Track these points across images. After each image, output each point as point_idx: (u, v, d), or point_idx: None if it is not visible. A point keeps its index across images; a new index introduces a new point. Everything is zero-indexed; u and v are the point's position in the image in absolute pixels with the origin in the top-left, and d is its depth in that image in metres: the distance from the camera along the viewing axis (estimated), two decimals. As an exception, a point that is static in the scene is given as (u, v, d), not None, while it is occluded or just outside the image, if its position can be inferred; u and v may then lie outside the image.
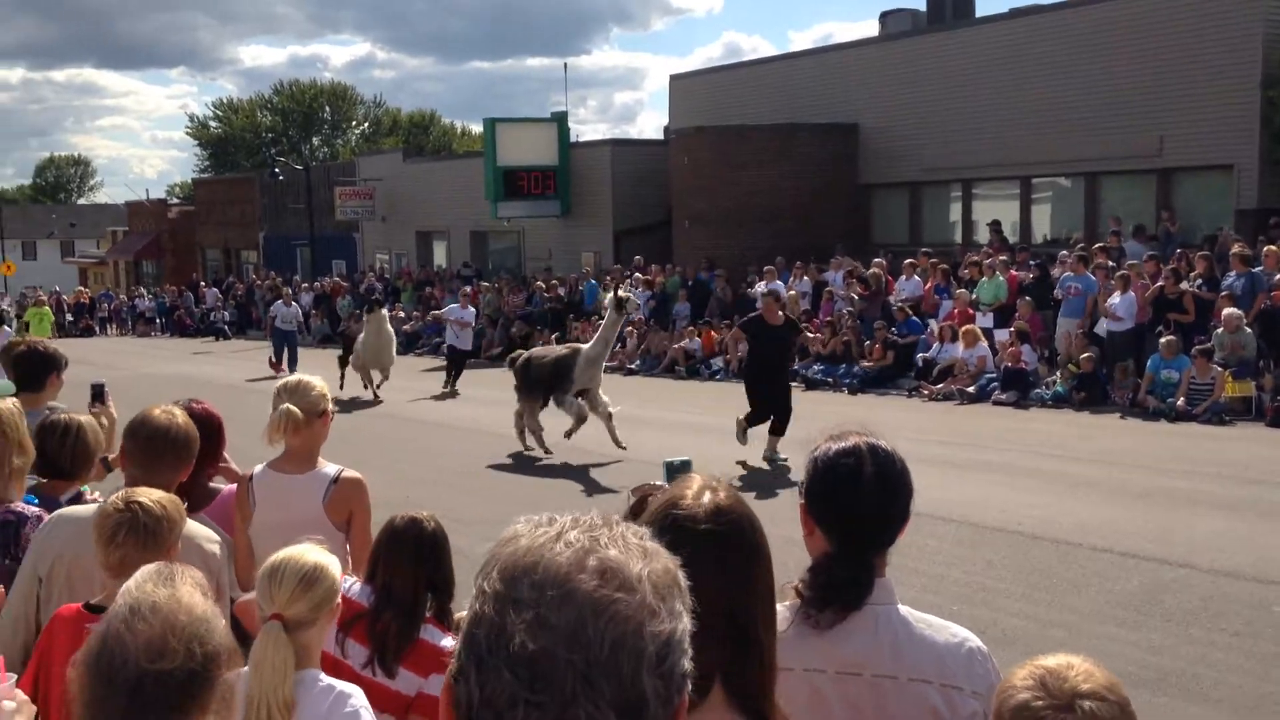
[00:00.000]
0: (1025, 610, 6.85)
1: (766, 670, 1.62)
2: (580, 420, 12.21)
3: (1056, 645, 1.74)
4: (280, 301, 22.88)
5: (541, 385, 12.37)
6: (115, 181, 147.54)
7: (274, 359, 21.64)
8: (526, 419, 12.55)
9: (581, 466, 11.74)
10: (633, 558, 1.04)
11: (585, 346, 12.69)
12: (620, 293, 12.56)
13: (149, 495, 2.81)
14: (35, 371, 4.55)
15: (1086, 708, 1.60)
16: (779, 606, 2.06)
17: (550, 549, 1.04)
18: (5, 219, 62.89)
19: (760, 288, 17.94)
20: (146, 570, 1.99)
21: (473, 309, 20.48)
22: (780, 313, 11.78)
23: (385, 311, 19.13)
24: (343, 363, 19.03)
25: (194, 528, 3.21)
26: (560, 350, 12.95)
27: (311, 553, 2.55)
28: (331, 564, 2.55)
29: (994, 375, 16.07)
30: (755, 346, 11.68)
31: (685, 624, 1.05)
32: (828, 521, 2.06)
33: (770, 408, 11.37)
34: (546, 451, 12.28)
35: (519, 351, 14.11)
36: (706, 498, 1.67)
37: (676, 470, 2.41)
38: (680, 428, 13.95)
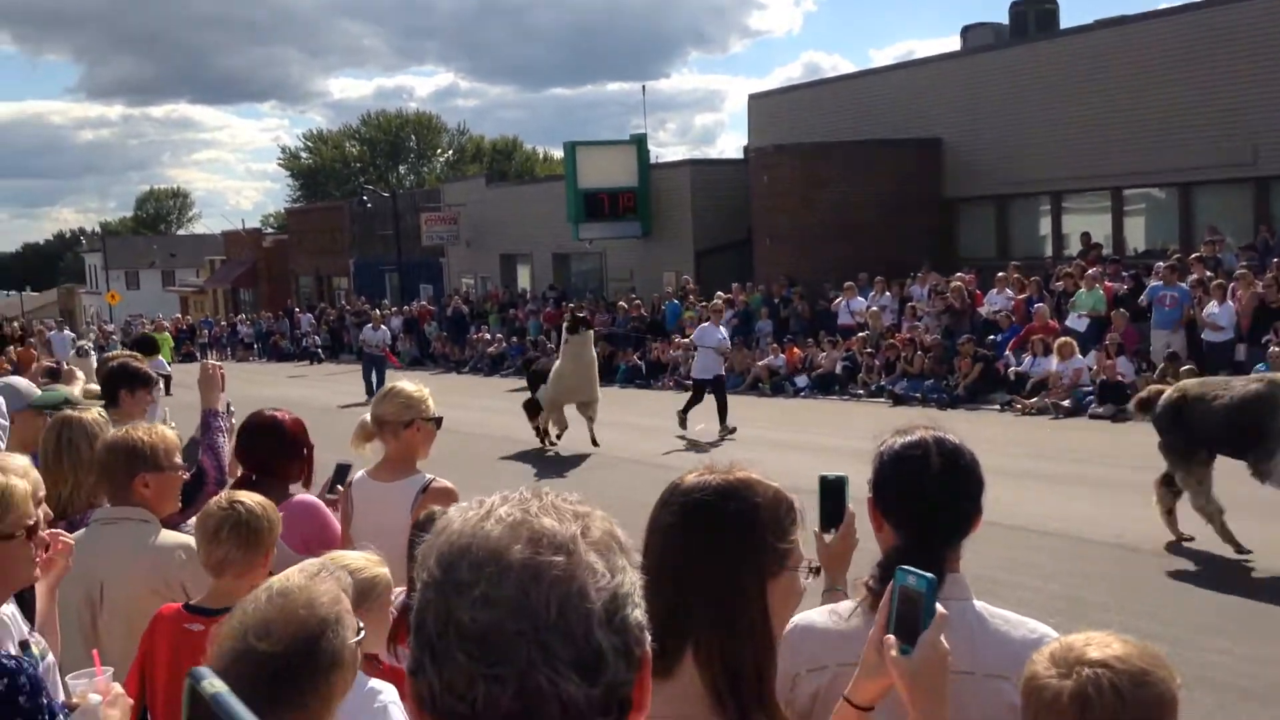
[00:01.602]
0: (1126, 623, 6.62)
1: (753, 647, 1.60)
2: None
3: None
4: (370, 326, 23.11)
5: (1208, 440, 8.10)
6: (212, 212, 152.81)
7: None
8: (1190, 491, 8.13)
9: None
10: (565, 522, 1.05)
11: None
12: None
13: (249, 496, 2.89)
14: (106, 386, 4.87)
15: (1084, 674, 1.59)
16: (847, 603, 2.06)
17: (482, 528, 1.04)
18: (109, 250, 65.60)
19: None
20: (305, 563, 2.03)
21: (723, 331, 15.85)
22: None
23: (591, 332, 14.43)
24: (533, 410, 14.40)
25: (168, 535, 3.24)
26: (1243, 386, 8.14)
27: (344, 556, 2.51)
28: (355, 570, 2.41)
29: (1089, 388, 15.68)
30: None
31: (631, 577, 1.06)
32: (895, 515, 2.05)
33: None
34: (1241, 550, 7.92)
35: (1152, 388, 9.31)
36: (707, 478, 1.71)
37: (830, 485, 2.24)
38: (832, 451, 12.79)
